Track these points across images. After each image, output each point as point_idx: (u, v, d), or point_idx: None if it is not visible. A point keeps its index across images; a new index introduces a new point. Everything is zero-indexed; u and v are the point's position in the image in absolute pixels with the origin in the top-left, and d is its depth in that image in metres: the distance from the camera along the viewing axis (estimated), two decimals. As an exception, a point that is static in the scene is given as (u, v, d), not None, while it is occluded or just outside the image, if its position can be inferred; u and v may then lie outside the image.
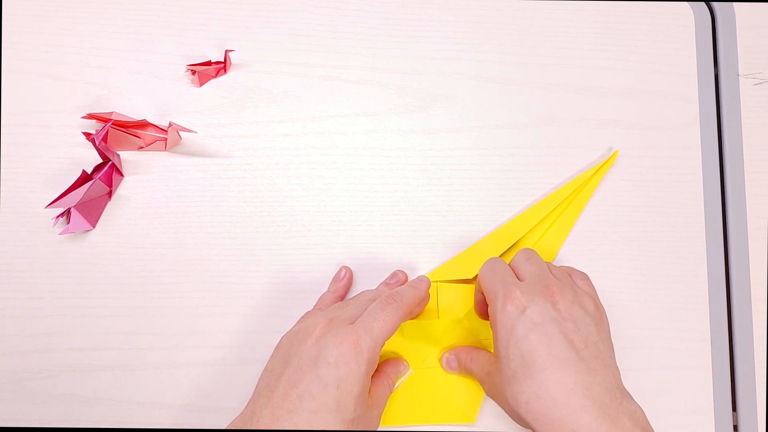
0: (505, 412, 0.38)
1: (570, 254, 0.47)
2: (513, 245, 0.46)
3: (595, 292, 0.40)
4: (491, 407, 0.43)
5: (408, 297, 0.39)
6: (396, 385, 0.43)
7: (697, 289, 0.47)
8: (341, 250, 0.46)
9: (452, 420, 0.43)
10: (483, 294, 0.40)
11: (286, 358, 0.36)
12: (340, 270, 0.45)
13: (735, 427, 0.46)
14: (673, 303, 0.47)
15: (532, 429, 0.35)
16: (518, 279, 0.38)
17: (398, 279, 0.44)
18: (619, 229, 0.47)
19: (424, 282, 0.41)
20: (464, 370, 0.42)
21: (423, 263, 0.46)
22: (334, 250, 0.46)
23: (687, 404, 0.45)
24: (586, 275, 0.41)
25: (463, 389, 0.43)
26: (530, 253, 0.40)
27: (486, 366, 0.40)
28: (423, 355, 0.43)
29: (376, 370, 0.39)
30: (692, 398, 0.45)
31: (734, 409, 0.46)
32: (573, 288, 0.38)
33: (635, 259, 0.47)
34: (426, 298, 0.41)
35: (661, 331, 0.46)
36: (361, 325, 0.36)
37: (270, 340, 0.44)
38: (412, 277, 0.45)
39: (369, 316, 0.37)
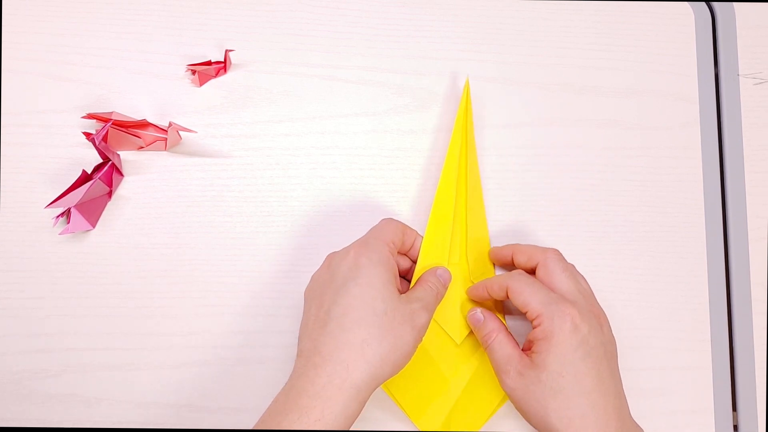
0: (526, 415, 0.38)
1: (570, 254, 0.47)
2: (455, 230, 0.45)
3: None
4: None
5: None
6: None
7: (697, 289, 0.47)
8: (341, 250, 0.46)
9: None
10: (500, 300, 0.42)
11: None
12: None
13: (735, 427, 0.46)
14: (673, 303, 0.46)
15: None
16: (555, 291, 0.40)
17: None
18: (619, 229, 0.47)
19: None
20: (486, 346, 0.41)
21: (423, 263, 0.46)
22: (334, 250, 0.46)
23: (687, 404, 0.45)
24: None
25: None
26: (563, 262, 0.41)
27: (515, 364, 0.39)
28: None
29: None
30: (692, 398, 0.45)
31: (734, 409, 0.46)
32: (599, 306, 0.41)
33: (635, 259, 0.47)
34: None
35: (661, 331, 0.46)
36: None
37: (270, 340, 0.44)
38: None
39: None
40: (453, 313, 0.43)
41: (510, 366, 0.39)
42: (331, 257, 0.41)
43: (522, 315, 0.40)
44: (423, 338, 0.39)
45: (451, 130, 0.48)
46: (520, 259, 0.43)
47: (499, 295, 0.41)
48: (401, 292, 0.39)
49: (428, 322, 0.39)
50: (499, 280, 0.41)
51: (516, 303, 0.40)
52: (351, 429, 0.36)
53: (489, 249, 0.45)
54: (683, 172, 0.49)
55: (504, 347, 0.40)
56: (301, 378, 0.36)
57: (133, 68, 0.48)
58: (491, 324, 0.41)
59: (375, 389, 0.36)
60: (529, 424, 0.39)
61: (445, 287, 0.42)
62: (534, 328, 0.39)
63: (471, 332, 0.43)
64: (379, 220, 0.43)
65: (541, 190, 0.48)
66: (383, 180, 0.47)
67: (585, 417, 0.36)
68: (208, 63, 0.47)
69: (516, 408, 0.39)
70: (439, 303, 0.41)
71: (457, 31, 0.50)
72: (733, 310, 0.47)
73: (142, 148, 0.46)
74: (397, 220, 0.43)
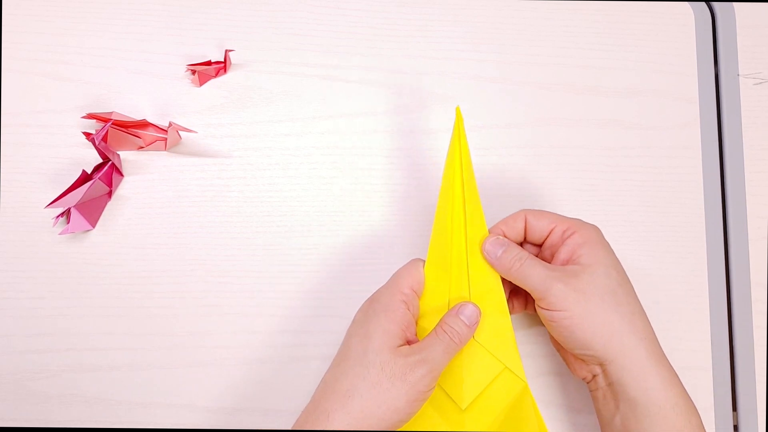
0: (581, 327, 0.36)
1: (570, 254, 0.47)
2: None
3: None
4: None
5: None
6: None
7: (697, 289, 0.47)
8: (341, 250, 0.46)
9: None
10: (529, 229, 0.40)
11: None
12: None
13: (735, 427, 0.46)
14: (673, 303, 0.46)
15: (601, 339, 0.36)
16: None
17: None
18: (619, 229, 0.47)
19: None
20: (515, 273, 0.38)
21: (423, 263, 0.46)
22: (334, 250, 0.46)
23: (687, 404, 0.45)
24: None
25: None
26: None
27: (560, 275, 0.37)
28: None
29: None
30: (692, 398, 0.45)
31: (734, 409, 0.46)
32: None
33: (635, 259, 0.47)
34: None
35: (661, 331, 0.46)
36: None
37: (270, 341, 0.44)
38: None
39: None
40: (457, 374, 0.39)
41: (553, 279, 0.36)
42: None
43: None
44: (426, 394, 0.36)
45: (452, 131, 0.48)
46: (557, 228, 0.39)
47: (517, 230, 0.40)
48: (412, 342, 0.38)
49: (429, 376, 0.36)
50: (514, 215, 0.40)
51: (540, 225, 0.39)
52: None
53: (498, 287, 0.40)
54: (683, 172, 0.49)
55: (537, 266, 0.37)
56: (299, 422, 0.37)
57: (133, 68, 0.48)
58: (513, 250, 0.38)
59: None
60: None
61: (471, 328, 0.38)
62: (567, 239, 0.38)
63: (480, 395, 0.39)
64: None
65: (541, 190, 0.48)
66: (383, 180, 0.47)
67: (641, 315, 0.37)
68: (208, 63, 0.47)
69: (561, 331, 0.36)
70: (458, 349, 0.37)
71: (457, 31, 0.50)
72: (733, 310, 0.47)
73: (142, 148, 0.46)
74: (422, 262, 0.40)
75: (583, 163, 0.48)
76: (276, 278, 0.45)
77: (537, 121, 0.49)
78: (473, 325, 0.38)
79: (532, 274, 0.37)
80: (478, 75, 0.49)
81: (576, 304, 0.36)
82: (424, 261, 0.40)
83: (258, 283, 0.45)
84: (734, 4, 0.52)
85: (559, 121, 0.49)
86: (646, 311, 0.46)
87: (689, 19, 0.51)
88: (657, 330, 0.46)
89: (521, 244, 0.41)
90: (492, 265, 0.39)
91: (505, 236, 0.40)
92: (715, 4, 0.52)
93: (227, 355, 0.44)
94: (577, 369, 0.38)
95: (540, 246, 0.41)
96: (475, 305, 0.38)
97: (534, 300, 0.38)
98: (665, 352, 0.45)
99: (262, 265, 0.45)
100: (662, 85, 0.50)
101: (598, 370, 0.37)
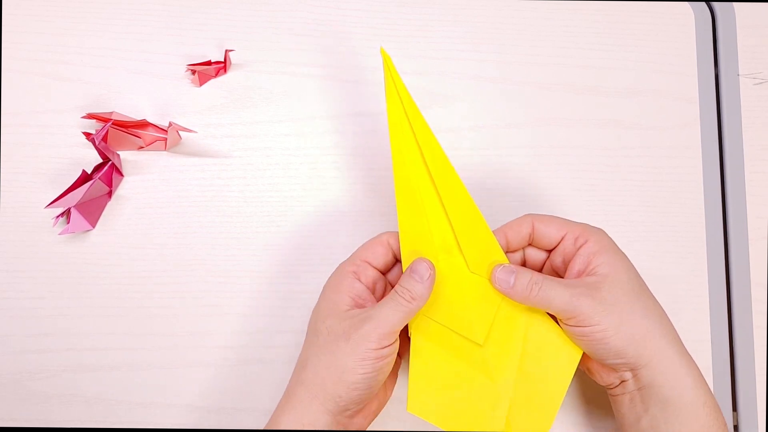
0: (615, 338, 0.35)
1: (570, 254, 0.47)
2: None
3: None
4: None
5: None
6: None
7: (697, 289, 0.47)
8: (341, 250, 0.46)
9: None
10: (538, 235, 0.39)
11: None
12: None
13: (735, 427, 0.46)
14: (673, 303, 0.46)
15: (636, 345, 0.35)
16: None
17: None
18: (619, 229, 0.47)
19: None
20: (534, 299, 0.36)
21: (423, 263, 0.46)
22: (334, 250, 0.46)
23: (687, 404, 0.45)
24: None
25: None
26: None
27: (584, 290, 0.35)
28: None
29: None
30: (692, 398, 0.45)
31: (734, 409, 0.46)
32: None
33: (635, 259, 0.47)
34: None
35: (661, 331, 0.46)
36: None
37: (270, 340, 0.44)
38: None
39: None
40: (462, 312, 0.38)
41: (579, 296, 0.35)
42: None
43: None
44: (376, 352, 0.35)
45: (452, 131, 0.48)
46: (568, 236, 0.38)
47: (522, 235, 0.39)
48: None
49: (374, 332, 0.34)
50: (519, 219, 0.39)
51: (549, 231, 0.38)
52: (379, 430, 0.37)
53: (486, 229, 0.39)
54: (683, 172, 0.49)
55: (557, 287, 0.36)
56: (280, 402, 0.38)
57: (133, 68, 0.48)
58: (525, 275, 0.36)
59: (333, 410, 0.35)
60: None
61: (426, 284, 0.36)
62: (580, 248, 0.37)
63: (493, 325, 0.38)
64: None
65: (541, 190, 0.48)
66: (383, 180, 0.47)
67: (665, 315, 0.37)
68: (208, 63, 0.47)
69: (595, 344, 0.35)
70: (411, 307, 0.36)
71: (457, 31, 0.50)
72: (733, 310, 0.47)
73: (142, 148, 0.46)
74: (387, 234, 0.39)
75: (583, 163, 0.48)
76: (276, 278, 0.45)
77: (537, 121, 0.49)
78: (427, 281, 0.36)
79: (554, 297, 0.35)
80: (478, 75, 0.49)
81: (607, 317, 0.35)
82: (392, 233, 0.39)
83: (258, 283, 0.45)
84: (734, 4, 0.52)
85: (559, 121, 0.49)
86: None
87: (689, 19, 0.51)
88: (657, 330, 0.46)
89: (524, 249, 0.41)
90: (506, 295, 0.37)
91: (508, 241, 0.39)
92: (715, 4, 0.52)
93: (227, 355, 0.44)
94: (604, 376, 0.38)
95: (549, 251, 0.40)
96: (427, 260, 0.37)
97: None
98: (665, 352, 0.46)
99: (262, 265, 0.45)
100: (662, 85, 0.50)
101: (628, 375, 0.36)
